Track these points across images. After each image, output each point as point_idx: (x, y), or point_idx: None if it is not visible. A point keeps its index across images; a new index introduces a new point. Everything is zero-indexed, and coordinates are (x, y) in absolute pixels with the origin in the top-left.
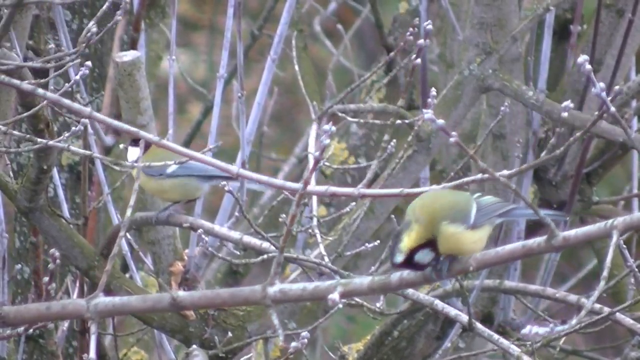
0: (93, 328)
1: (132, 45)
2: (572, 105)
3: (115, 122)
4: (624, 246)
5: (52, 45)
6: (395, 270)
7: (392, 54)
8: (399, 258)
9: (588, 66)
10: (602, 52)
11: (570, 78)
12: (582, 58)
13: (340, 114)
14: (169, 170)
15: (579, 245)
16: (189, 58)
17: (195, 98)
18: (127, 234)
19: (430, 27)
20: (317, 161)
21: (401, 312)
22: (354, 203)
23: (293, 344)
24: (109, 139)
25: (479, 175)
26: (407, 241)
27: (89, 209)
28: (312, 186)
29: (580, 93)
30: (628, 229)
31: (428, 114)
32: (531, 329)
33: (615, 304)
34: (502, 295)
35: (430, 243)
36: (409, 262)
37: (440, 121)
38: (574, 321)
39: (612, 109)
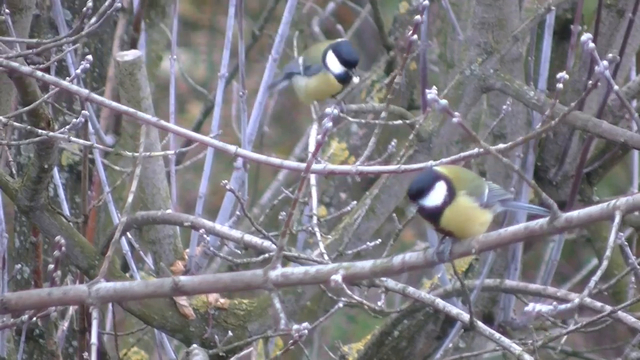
0: (95, 313)
1: (133, 45)
2: (567, 76)
3: (114, 104)
4: (626, 243)
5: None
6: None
7: (391, 52)
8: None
9: (591, 44)
10: (602, 52)
11: (571, 78)
12: (586, 36)
13: (341, 114)
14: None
15: (582, 227)
16: (189, 58)
17: (195, 98)
18: (128, 233)
19: (427, 2)
20: (319, 145)
21: (402, 310)
22: (354, 202)
23: (295, 326)
24: (109, 139)
25: (476, 150)
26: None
27: (89, 208)
28: (311, 166)
29: (580, 93)
30: (631, 210)
31: (431, 94)
32: (534, 307)
33: (615, 303)
34: (502, 295)
35: (450, 187)
36: (424, 191)
37: (444, 101)
38: (576, 300)
39: (616, 87)
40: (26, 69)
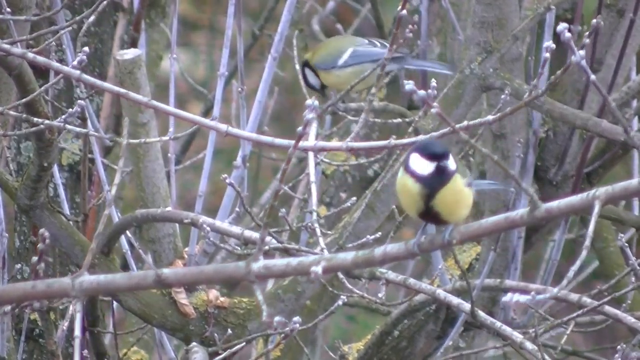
0: (78, 306)
1: (133, 45)
2: (554, 46)
3: (105, 84)
4: (626, 245)
5: (52, 44)
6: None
7: (392, 52)
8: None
9: (568, 34)
10: (602, 52)
11: (571, 77)
12: (562, 26)
13: (341, 113)
14: (340, 61)
15: (562, 217)
16: (189, 58)
17: (195, 98)
18: (127, 232)
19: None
20: (307, 123)
21: (404, 301)
22: (354, 198)
23: (277, 318)
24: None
25: (445, 130)
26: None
27: (88, 207)
28: (302, 143)
29: (580, 93)
30: (610, 200)
31: (409, 85)
32: (512, 297)
33: (615, 304)
34: (502, 294)
35: (455, 162)
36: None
37: (422, 92)
38: (555, 290)
39: (593, 76)
40: (18, 50)
